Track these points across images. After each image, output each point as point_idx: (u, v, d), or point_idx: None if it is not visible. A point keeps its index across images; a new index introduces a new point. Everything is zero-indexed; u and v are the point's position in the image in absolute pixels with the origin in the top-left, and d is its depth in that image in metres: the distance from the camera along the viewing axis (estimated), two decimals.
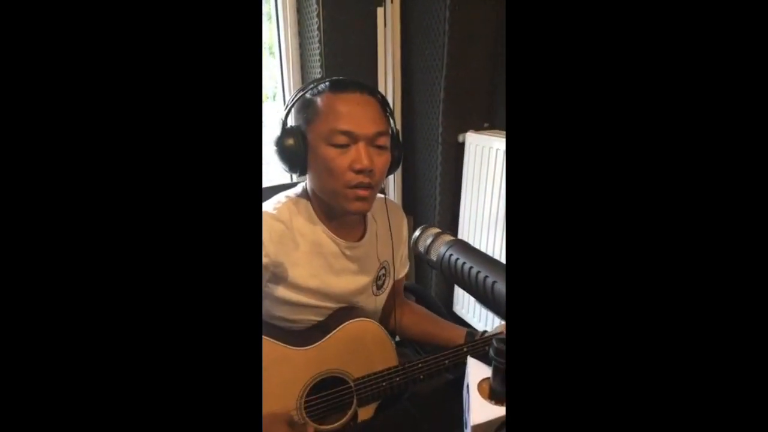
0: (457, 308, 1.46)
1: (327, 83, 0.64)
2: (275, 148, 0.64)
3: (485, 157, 1.25)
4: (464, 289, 0.38)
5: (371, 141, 0.62)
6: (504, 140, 1.20)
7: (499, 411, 0.36)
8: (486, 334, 0.75)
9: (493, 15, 1.24)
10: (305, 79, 1.45)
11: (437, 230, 0.44)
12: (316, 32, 1.29)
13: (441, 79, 1.26)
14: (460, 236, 1.42)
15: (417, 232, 0.45)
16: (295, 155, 0.63)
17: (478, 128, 1.33)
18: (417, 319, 0.85)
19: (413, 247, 0.45)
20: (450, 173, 1.35)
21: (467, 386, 0.40)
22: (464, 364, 0.70)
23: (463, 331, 0.79)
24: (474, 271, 0.36)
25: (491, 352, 0.36)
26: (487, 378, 0.39)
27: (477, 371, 0.40)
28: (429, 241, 0.43)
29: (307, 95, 0.64)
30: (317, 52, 1.32)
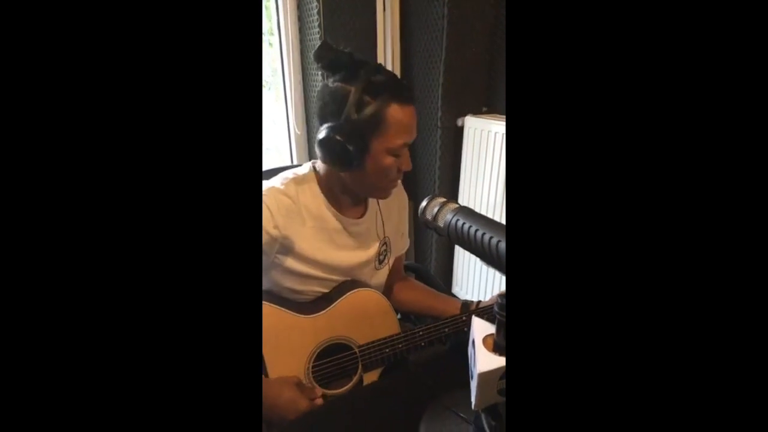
0: (455, 290, 1.50)
1: (391, 90, 0.62)
2: (326, 146, 0.62)
3: (484, 141, 1.28)
4: (470, 250, 0.41)
5: (410, 145, 0.67)
6: (502, 123, 1.22)
7: (503, 361, 0.39)
8: (481, 304, 0.79)
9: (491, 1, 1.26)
10: (305, 65, 1.46)
11: (443, 199, 0.46)
12: (316, 17, 1.30)
13: (440, 64, 1.27)
14: None
15: (424, 202, 0.48)
16: (349, 157, 0.62)
17: (477, 112, 1.35)
18: (415, 293, 0.89)
19: (421, 216, 0.48)
20: (449, 156, 1.38)
21: (473, 341, 0.43)
22: (462, 332, 0.74)
23: (459, 302, 0.83)
24: (479, 233, 0.39)
25: (495, 308, 0.40)
26: (491, 334, 0.42)
27: (481, 328, 0.43)
28: (436, 209, 0.46)
29: (366, 97, 0.61)
30: (317, 37, 1.33)
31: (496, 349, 0.41)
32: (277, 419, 0.59)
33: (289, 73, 1.45)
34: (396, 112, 0.62)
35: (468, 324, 0.75)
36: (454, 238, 0.43)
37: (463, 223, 0.41)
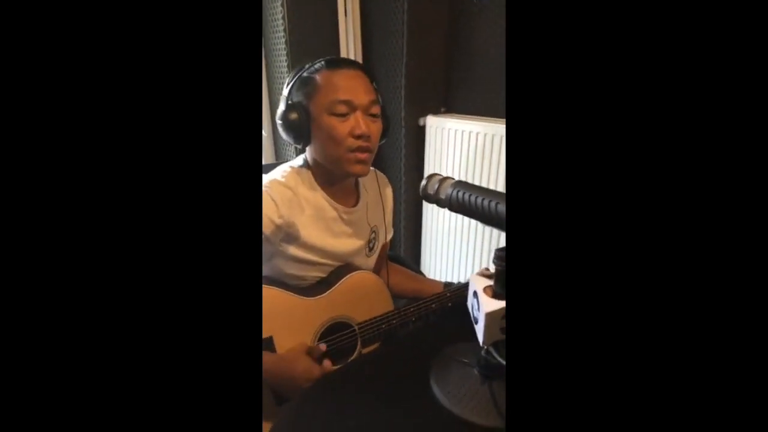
0: (423, 269, 1.60)
1: (322, 62, 0.72)
2: (280, 122, 0.71)
3: (444, 138, 1.39)
4: (472, 216, 0.49)
5: (366, 110, 0.71)
6: (459, 122, 1.34)
7: (503, 303, 0.48)
8: (460, 284, 0.89)
9: (446, 6, 1.37)
10: (270, 69, 1.49)
11: (441, 176, 0.54)
12: (281, 21, 1.34)
13: (402, 67, 1.36)
14: (423, 211, 1.55)
15: (424, 181, 0.55)
16: (299, 127, 0.70)
17: (436, 112, 1.46)
18: (401, 277, 0.97)
19: (422, 192, 0.55)
20: (413, 153, 1.48)
21: (474, 292, 0.51)
22: (446, 307, 0.83)
23: (441, 283, 0.93)
24: (479, 199, 0.47)
25: (494, 260, 0.48)
26: (490, 285, 0.50)
27: (480, 281, 0.51)
28: (437, 185, 0.53)
29: (304, 74, 0.72)
30: (282, 41, 1.37)
31: (495, 295, 0.49)
32: (293, 388, 0.64)
33: None
34: (326, 75, 0.71)
35: (451, 300, 0.84)
36: (456, 207, 0.51)
37: (464, 193, 0.49)
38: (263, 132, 1.53)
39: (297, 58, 1.38)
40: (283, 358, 0.65)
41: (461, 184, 0.51)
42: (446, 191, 0.52)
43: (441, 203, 0.53)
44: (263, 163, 1.57)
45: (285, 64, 1.39)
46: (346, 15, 1.43)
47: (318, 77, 0.71)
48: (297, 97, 0.72)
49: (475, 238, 1.39)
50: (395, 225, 1.61)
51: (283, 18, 1.33)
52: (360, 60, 1.48)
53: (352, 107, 0.70)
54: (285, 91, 0.72)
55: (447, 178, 0.54)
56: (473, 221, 1.36)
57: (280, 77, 1.45)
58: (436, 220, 1.51)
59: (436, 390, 0.53)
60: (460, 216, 1.61)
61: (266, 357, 0.66)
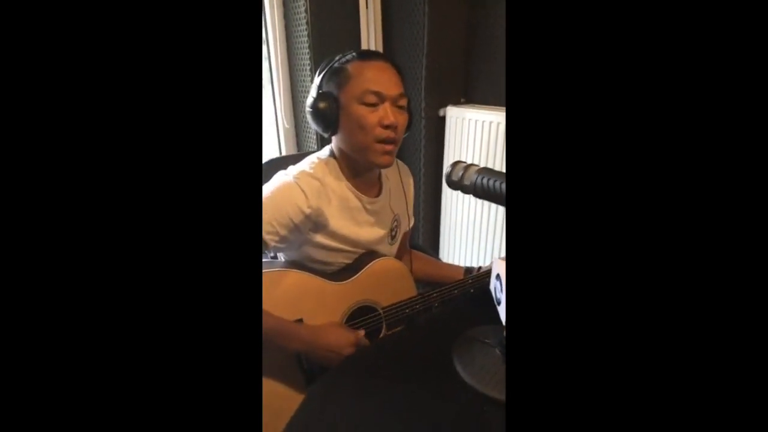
0: (441, 258, 1.62)
1: (354, 53, 0.74)
2: (310, 110, 0.74)
3: (464, 128, 1.40)
4: (497, 201, 0.51)
5: (395, 101, 0.73)
6: (479, 112, 1.35)
7: None
8: (481, 269, 0.90)
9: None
10: (293, 62, 1.52)
11: (465, 163, 0.56)
12: (304, 14, 1.36)
13: (422, 58, 1.37)
14: (442, 199, 1.57)
15: (448, 168, 0.57)
16: (328, 116, 0.73)
17: (456, 103, 1.47)
18: (422, 263, 0.99)
19: (446, 179, 0.57)
20: (433, 144, 1.49)
21: (497, 275, 0.53)
22: (469, 292, 0.85)
23: (461, 268, 0.95)
24: (504, 185, 0.49)
25: None
26: None
27: (503, 265, 0.53)
28: (461, 173, 0.55)
29: (336, 65, 0.74)
30: (305, 33, 1.39)
31: None
32: (329, 356, 0.69)
33: (277, 69, 1.50)
34: (358, 65, 0.73)
35: (473, 286, 0.86)
36: (480, 193, 0.53)
37: (489, 179, 0.51)
38: (285, 124, 1.57)
39: (319, 51, 1.41)
40: (316, 329, 0.70)
41: (486, 171, 0.53)
42: (471, 178, 0.54)
43: (466, 189, 0.55)
44: (286, 153, 1.62)
45: (307, 56, 1.42)
46: (367, 6, 1.44)
47: (350, 67, 0.73)
48: (327, 87, 0.74)
49: (495, 227, 1.40)
50: (414, 215, 1.63)
51: (305, 11, 1.35)
52: (380, 51, 1.50)
53: (382, 98, 0.72)
54: (316, 81, 0.75)
55: (471, 165, 0.55)
56: (491, 210, 1.39)
57: (303, 70, 1.47)
58: (455, 210, 1.52)
59: (460, 368, 0.55)
60: (478, 205, 1.62)
61: (300, 328, 0.71)
